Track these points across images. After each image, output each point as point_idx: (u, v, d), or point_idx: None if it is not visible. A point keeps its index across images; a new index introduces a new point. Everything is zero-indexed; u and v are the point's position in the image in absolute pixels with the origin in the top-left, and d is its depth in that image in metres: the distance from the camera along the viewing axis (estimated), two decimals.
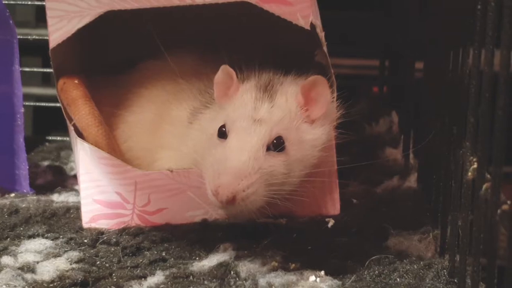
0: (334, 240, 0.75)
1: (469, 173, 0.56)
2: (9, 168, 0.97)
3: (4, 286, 0.68)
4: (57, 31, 0.81)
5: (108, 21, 0.82)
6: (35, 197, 0.92)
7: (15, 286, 0.68)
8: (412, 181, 0.89)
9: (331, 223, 0.79)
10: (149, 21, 0.86)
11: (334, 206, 0.83)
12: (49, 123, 1.34)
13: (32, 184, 0.97)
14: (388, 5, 1.21)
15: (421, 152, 0.87)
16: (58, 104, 1.23)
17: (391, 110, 1.12)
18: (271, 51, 0.87)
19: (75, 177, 1.05)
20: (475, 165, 0.55)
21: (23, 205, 0.87)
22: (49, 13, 0.81)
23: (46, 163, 1.13)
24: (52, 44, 0.81)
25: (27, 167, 0.96)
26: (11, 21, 0.94)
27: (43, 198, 0.92)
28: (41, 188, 0.98)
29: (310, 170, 0.79)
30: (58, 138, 1.27)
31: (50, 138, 1.27)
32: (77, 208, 0.85)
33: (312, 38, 0.83)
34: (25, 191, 0.96)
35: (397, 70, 1.14)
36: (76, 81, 0.84)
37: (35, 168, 1.07)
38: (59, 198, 0.93)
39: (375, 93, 1.36)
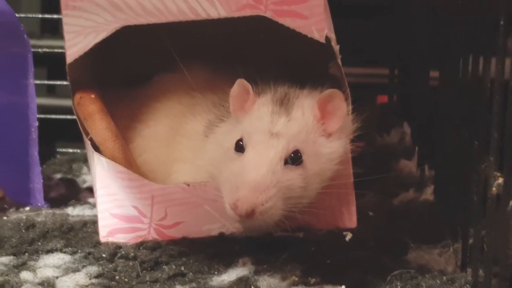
0: (353, 253, 0.75)
1: (494, 188, 0.56)
2: (23, 181, 0.97)
3: None
4: (74, 47, 0.81)
5: (121, 34, 0.82)
6: (50, 211, 0.92)
7: None
8: (428, 193, 0.89)
9: (348, 236, 0.79)
10: (164, 34, 0.86)
11: (351, 219, 0.83)
12: (55, 134, 1.34)
13: (46, 197, 0.97)
14: (396, 12, 1.21)
15: (437, 164, 0.87)
16: (63, 116, 1.26)
17: (403, 121, 1.12)
18: (285, 64, 0.87)
19: (88, 189, 1.06)
20: (500, 181, 0.55)
21: (39, 219, 0.87)
22: (66, 28, 0.81)
23: (58, 175, 1.13)
24: (69, 59, 0.82)
25: (41, 180, 0.97)
26: (25, 35, 0.95)
27: (58, 212, 0.92)
28: (55, 201, 0.98)
29: (327, 183, 0.79)
30: (70, 150, 1.28)
31: (60, 150, 1.28)
32: (93, 222, 0.85)
33: (325, 50, 0.83)
34: (39, 204, 0.96)
35: (407, 79, 1.14)
36: (92, 96, 0.84)
37: (48, 181, 1.08)
38: (74, 212, 0.93)
39: (383, 103, 1.35)
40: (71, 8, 0.81)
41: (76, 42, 0.81)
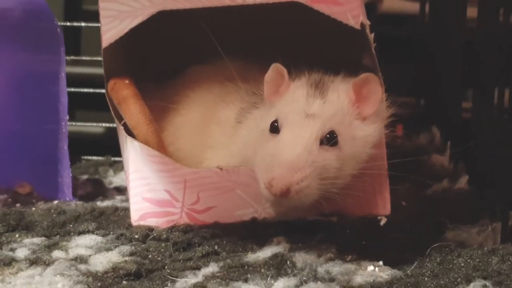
0: (389, 235, 0.74)
1: None
2: (52, 175, 0.97)
3: (58, 276, 0.67)
4: (110, 31, 0.82)
5: (155, 25, 0.83)
6: (79, 202, 0.91)
7: (70, 275, 0.67)
8: (462, 183, 0.88)
9: (383, 220, 0.78)
10: (199, 24, 0.87)
11: (384, 206, 0.81)
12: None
13: (73, 194, 0.97)
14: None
15: (471, 153, 0.86)
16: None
17: (431, 124, 1.11)
18: (317, 55, 0.87)
19: (115, 189, 1.06)
20: None
21: (70, 207, 0.87)
22: (102, 13, 0.82)
23: (85, 176, 1.13)
24: (105, 44, 0.82)
25: (70, 174, 0.96)
26: (58, 29, 0.96)
27: (86, 203, 0.91)
28: (82, 198, 0.98)
29: (362, 165, 0.78)
30: (94, 157, 1.28)
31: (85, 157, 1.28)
32: (124, 209, 0.85)
33: (358, 42, 0.83)
34: (67, 198, 0.95)
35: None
36: (126, 81, 0.85)
37: (75, 180, 1.07)
38: (102, 205, 0.92)
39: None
40: None
41: (112, 27, 0.82)
